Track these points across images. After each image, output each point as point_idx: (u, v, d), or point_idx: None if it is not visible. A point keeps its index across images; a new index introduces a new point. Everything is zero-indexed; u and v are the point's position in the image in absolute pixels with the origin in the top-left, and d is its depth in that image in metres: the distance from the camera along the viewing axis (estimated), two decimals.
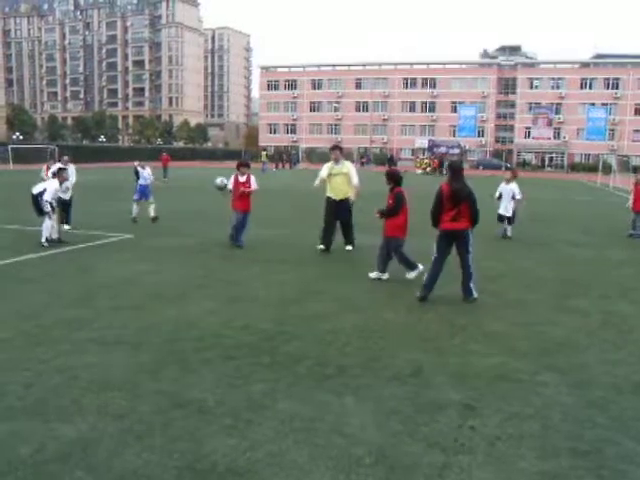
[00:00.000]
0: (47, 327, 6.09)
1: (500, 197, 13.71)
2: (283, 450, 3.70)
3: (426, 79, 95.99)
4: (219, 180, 12.07)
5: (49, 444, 3.69)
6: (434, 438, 3.88)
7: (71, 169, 13.80)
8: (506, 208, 13.52)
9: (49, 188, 11.12)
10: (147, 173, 14.78)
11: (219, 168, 44.54)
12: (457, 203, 7.41)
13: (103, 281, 8.27)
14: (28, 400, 4.33)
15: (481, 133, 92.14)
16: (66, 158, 14.09)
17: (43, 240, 11.07)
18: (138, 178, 14.78)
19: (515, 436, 3.95)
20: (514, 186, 13.60)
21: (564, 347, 5.85)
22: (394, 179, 8.62)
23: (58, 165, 13.26)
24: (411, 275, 8.61)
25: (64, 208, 13.07)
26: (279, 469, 3.47)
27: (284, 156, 70.33)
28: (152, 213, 14.75)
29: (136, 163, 15.24)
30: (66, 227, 13.05)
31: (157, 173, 39.44)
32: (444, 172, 48.22)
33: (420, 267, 8.50)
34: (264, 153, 55.46)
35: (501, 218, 13.64)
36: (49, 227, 11.12)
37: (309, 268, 9.66)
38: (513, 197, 13.54)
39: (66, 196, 13.22)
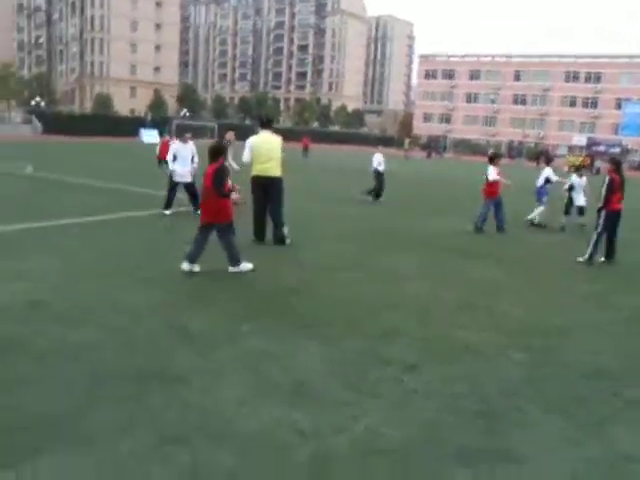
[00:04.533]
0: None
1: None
2: (227, 369, 4.51)
3: (590, 73, 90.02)
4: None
5: None
6: (357, 383, 4.46)
7: (191, 147, 12.51)
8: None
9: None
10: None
11: (364, 152, 45.43)
12: (623, 189, 9.92)
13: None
14: None
15: None
16: (188, 135, 12.71)
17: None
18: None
19: (430, 392, 4.41)
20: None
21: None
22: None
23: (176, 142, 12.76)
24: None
25: (190, 192, 12.26)
26: (211, 380, 4.29)
27: (432, 145, 70.14)
28: None
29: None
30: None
31: (297, 154, 41.54)
32: (593, 172, 45.51)
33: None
34: (407, 141, 55.83)
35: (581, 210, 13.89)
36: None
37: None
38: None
39: (188, 178, 12.29)
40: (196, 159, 12.46)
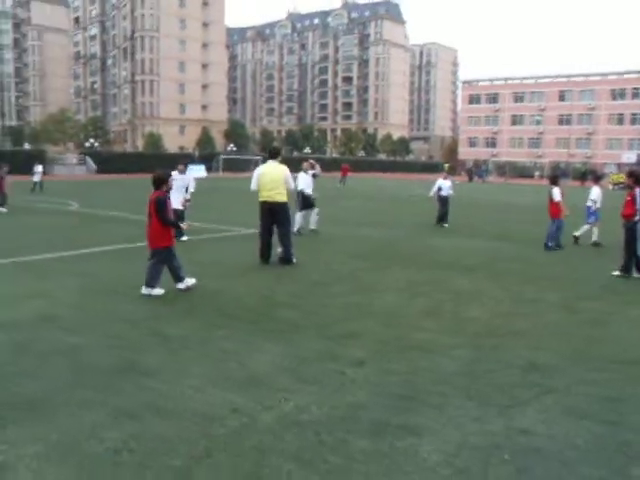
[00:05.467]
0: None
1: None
2: (192, 365, 5.25)
3: (637, 89, 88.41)
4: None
5: None
6: (302, 375, 5.11)
7: (187, 177, 13.49)
8: None
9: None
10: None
11: (407, 179, 45.95)
12: None
13: None
14: None
15: None
16: (181, 167, 13.59)
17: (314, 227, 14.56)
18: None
19: (367, 382, 5.01)
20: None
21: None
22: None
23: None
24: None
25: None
26: (176, 373, 5.04)
27: (472, 169, 70.05)
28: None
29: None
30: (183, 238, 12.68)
31: (335, 181, 42.46)
32: None
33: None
34: (446, 165, 56.06)
35: None
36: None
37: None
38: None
39: (178, 206, 12.68)
40: (191, 189, 13.59)
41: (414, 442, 3.96)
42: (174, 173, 13.38)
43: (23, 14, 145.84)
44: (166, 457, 3.65)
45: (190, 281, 8.17)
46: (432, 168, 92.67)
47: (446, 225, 17.31)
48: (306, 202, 14.88)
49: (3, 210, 19.37)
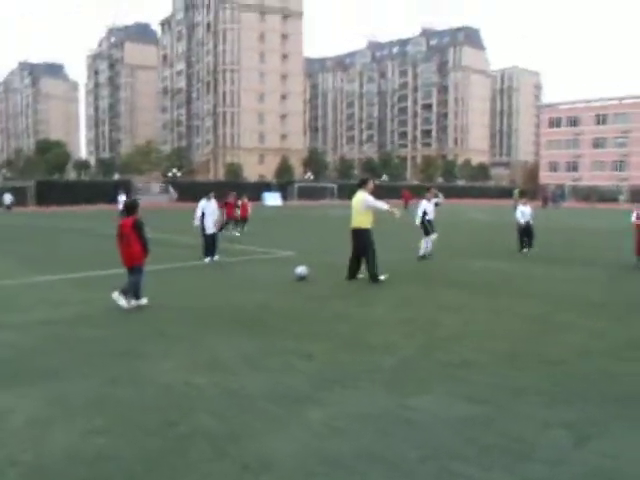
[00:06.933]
0: None
1: None
2: (176, 353, 6.60)
3: None
4: (300, 270, 11.95)
5: None
6: (255, 363, 6.33)
7: (213, 204, 15.05)
8: None
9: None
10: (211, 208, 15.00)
11: (483, 204, 45.84)
12: None
13: None
14: None
15: None
16: (211, 194, 15.29)
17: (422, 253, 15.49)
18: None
19: (305, 368, 6.15)
20: None
21: None
22: None
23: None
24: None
25: (211, 241, 14.58)
26: (161, 357, 6.40)
27: (548, 194, 68.68)
28: None
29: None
30: (211, 259, 14.53)
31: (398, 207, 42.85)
32: None
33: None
34: (516, 190, 55.63)
35: None
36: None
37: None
38: None
39: (213, 230, 14.64)
40: (217, 213, 15.10)
41: (315, 410, 5.05)
42: (203, 201, 14.96)
43: (117, 54, 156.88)
44: (127, 408, 4.99)
45: (144, 300, 9.14)
46: (508, 193, 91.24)
47: (533, 250, 17.26)
48: (425, 229, 15.72)
49: (236, 234, 22.22)
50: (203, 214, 14.73)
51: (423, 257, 15.46)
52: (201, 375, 5.90)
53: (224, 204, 21.43)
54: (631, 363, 6.53)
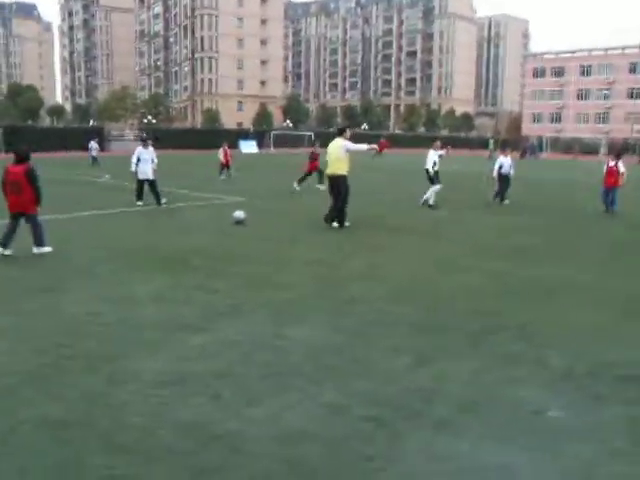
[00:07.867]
0: None
1: None
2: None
3: None
4: (237, 214, 12.35)
5: None
6: (163, 296, 6.85)
7: (150, 151, 15.54)
8: None
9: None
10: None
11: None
12: None
13: None
14: None
15: None
16: (149, 141, 16.13)
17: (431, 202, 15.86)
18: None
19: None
20: None
21: None
22: None
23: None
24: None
25: (153, 189, 15.14)
26: (82, 289, 6.90)
27: (526, 144, 69.11)
28: None
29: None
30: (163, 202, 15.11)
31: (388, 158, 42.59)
32: None
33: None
34: (491, 141, 56.09)
35: None
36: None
37: None
38: None
39: (150, 176, 15.18)
40: (155, 160, 15.49)
41: (196, 337, 5.62)
42: (139, 148, 15.53)
43: None
44: (29, 334, 5.58)
45: (47, 248, 9.22)
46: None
47: (506, 202, 17.65)
48: (430, 178, 16.16)
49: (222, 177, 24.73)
50: (139, 160, 15.29)
51: (431, 206, 15.91)
52: (105, 307, 6.47)
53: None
54: (507, 303, 7.10)
